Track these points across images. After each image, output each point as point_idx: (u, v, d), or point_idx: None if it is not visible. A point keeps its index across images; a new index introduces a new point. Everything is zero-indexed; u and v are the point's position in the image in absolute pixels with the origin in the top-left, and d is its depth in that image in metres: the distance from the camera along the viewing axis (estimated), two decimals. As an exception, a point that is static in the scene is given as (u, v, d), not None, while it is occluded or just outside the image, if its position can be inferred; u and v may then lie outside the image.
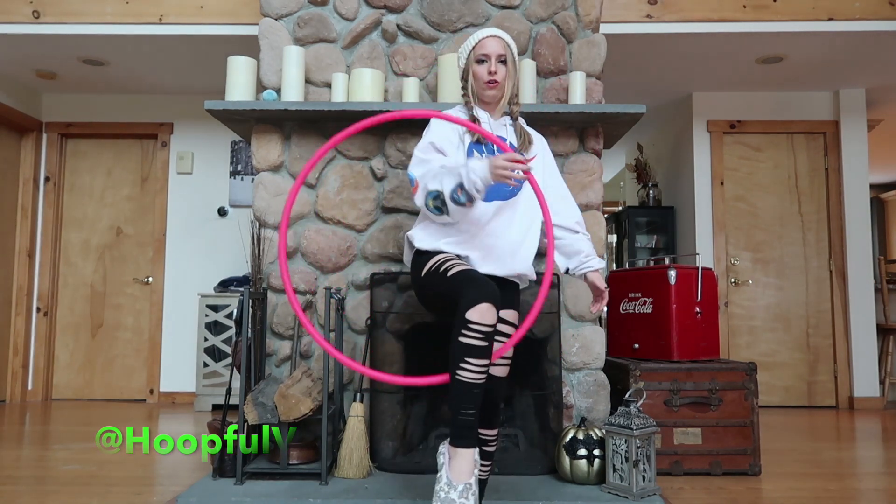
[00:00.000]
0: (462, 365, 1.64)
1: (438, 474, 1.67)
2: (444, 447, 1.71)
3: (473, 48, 2.06)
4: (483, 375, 1.66)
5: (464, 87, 2.14)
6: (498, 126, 2.11)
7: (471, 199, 1.80)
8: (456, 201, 1.79)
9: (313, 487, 2.43)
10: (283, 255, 1.84)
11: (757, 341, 4.87)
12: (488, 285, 1.73)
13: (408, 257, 2.10)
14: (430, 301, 1.99)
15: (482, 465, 1.96)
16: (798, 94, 4.96)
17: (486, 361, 1.65)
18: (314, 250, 2.87)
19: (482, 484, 1.99)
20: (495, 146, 2.01)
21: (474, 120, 2.04)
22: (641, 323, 3.03)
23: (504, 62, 2.05)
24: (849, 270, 4.79)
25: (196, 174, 5.02)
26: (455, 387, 1.64)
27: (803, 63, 4.37)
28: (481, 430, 1.92)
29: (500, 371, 1.95)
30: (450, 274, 1.79)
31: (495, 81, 2.03)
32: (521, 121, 2.21)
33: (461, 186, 1.78)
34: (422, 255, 1.96)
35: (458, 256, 1.93)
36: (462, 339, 1.64)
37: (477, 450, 1.69)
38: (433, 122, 2.04)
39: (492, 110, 2.11)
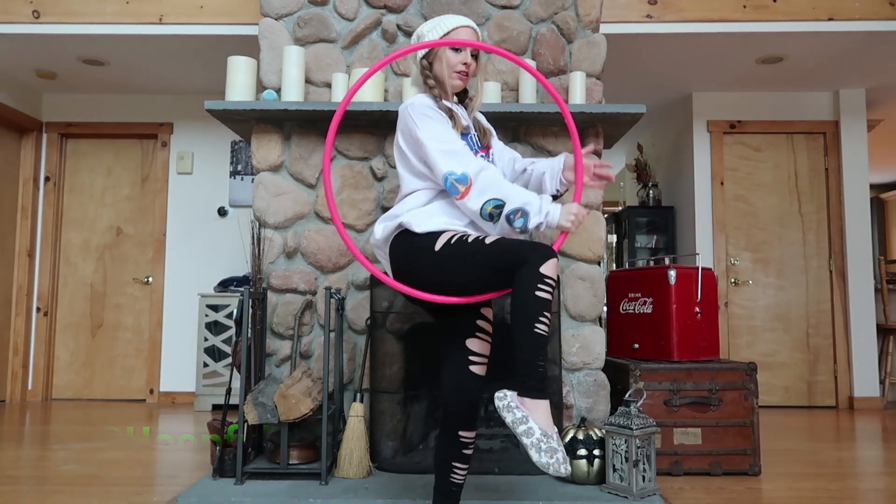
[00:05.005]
0: (540, 318, 1.67)
1: (526, 427, 1.64)
2: (511, 401, 1.68)
3: (449, 33, 1.97)
4: (550, 327, 1.73)
5: (428, 70, 1.99)
6: (463, 113, 2.03)
7: (522, 230, 1.78)
8: (510, 221, 1.78)
9: (313, 487, 2.43)
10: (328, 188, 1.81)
11: (757, 341, 4.87)
12: (547, 245, 1.75)
13: (383, 242, 1.96)
14: (444, 275, 1.81)
15: (460, 468, 1.92)
16: (798, 94, 4.96)
17: (550, 315, 1.72)
18: (314, 250, 2.87)
19: (459, 488, 1.97)
20: (469, 136, 1.96)
21: (450, 112, 1.94)
22: (641, 323, 3.03)
23: (475, 57, 1.99)
24: (849, 270, 4.79)
25: (196, 174, 5.02)
26: (534, 340, 1.67)
27: (803, 63, 4.36)
28: (462, 433, 1.90)
29: (482, 370, 1.93)
30: (489, 241, 1.76)
31: (466, 74, 1.97)
32: (478, 115, 2.13)
33: (523, 211, 1.76)
34: (416, 235, 1.85)
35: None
36: (539, 294, 1.66)
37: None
38: (424, 111, 1.90)
39: (450, 100, 2.03)
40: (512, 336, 1.70)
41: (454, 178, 1.81)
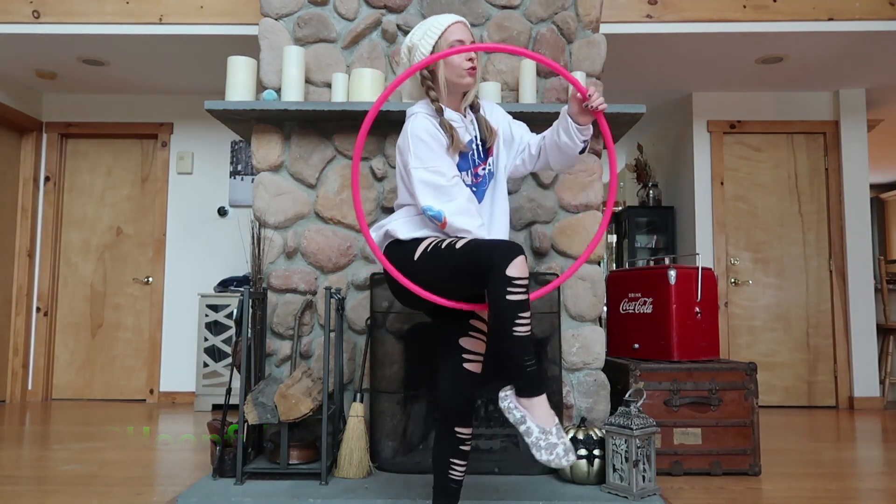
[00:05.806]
0: (517, 321, 1.66)
1: (525, 427, 1.66)
2: (510, 402, 1.69)
3: (443, 34, 1.93)
4: (530, 324, 1.70)
5: (430, 80, 1.96)
6: (467, 124, 2.01)
7: None
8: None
9: (313, 487, 2.43)
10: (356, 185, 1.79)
11: (757, 341, 4.87)
12: (512, 242, 1.74)
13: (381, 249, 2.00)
14: (426, 279, 1.84)
15: (458, 464, 1.93)
16: (798, 94, 4.96)
17: (529, 312, 1.70)
18: (314, 250, 2.87)
19: (458, 485, 1.97)
20: (470, 154, 1.95)
21: (448, 125, 1.92)
22: (641, 323, 3.03)
23: None
24: (849, 270, 4.79)
25: (196, 174, 5.02)
26: (515, 343, 1.67)
27: (803, 63, 4.36)
28: (458, 429, 1.91)
29: (477, 367, 1.95)
30: (459, 245, 1.77)
31: (475, 68, 1.94)
32: (483, 108, 2.09)
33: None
34: (402, 244, 1.90)
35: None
36: (510, 297, 1.66)
37: (545, 396, 1.71)
38: (420, 134, 1.88)
39: (457, 105, 2.00)
40: (495, 343, 1.71)
41: (430, 214, 1.85)
